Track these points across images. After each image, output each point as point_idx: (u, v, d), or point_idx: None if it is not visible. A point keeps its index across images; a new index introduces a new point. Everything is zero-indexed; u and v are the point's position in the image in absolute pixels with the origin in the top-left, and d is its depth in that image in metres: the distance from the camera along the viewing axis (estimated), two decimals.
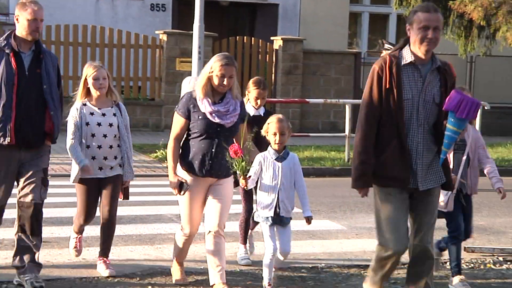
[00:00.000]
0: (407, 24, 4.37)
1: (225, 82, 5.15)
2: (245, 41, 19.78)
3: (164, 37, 17.43)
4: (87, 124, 5.70)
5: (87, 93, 5.75)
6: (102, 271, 5.71)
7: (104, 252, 5.81)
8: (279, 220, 5.29)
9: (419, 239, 4.49)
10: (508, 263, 7.20)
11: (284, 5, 22.62)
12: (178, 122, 5.31)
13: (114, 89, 5.93)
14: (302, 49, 20.34)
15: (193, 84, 7.17)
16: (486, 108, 14.08)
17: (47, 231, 6.45)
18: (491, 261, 7.18)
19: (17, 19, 5.29)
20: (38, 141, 5.38)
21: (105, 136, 5.68)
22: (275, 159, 5.33)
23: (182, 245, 5.58)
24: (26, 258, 5.37)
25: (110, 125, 5.73)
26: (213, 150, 5.23)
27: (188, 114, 5.24)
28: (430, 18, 4.22)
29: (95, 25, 19.74)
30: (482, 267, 6.99)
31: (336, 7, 22.94)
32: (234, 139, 5.36)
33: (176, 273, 5.64)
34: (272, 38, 20.56)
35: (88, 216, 5.85)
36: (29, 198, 5.33)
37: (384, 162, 4.39)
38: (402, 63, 4.34)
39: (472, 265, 7.04)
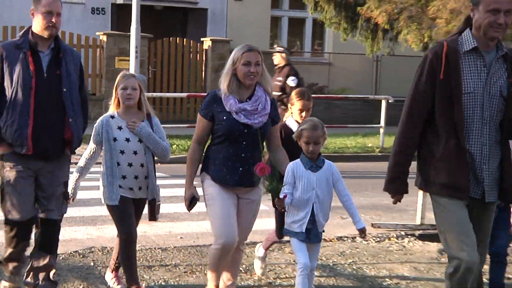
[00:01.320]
0: (471, 4, 3.84)
1: (252, 69, 4.48)
2: (177, 42, 20.56)
3: (104, 38, 18.28)
4: (115, 139, 4.92)
5: (118, 104, 5.03)
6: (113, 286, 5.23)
7: (130, 274, 5.06)
8: (313, 236, 4.77)
9: (481, 250, 3.90)
10: (409, 237, 7.72)
11: (213, 9, 23.76)
12: (200, 123, 4.62)
13: (146, 100, 5.18)
14: (229, 49, 20.37)
15: None
16: (390, 101, 15.62)
17: None
18: (395, 236, 7.68)
19: (32, 14, 4.74)
20: (58, 151, 4.83)
21: (135, 153, 4.94)
22: (308, 169, 4.71)
23: (217, 256, 4.68)
24: (41, 275, 4.94)
25: (140, 141, 4.93)
26: (242, 155, 4.56)
27: (211, 115, 4.52)
28: (502, 0, 3.62)
29: None
30: (386, 241, 7.49)
31: (259, 11, 24.25)
32: (267, 146, 4.88)
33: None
34: (202, 39, 21.45)
35: (132, 235, 5.12)
36: (48, 215, 4.85)
37: (440, 168, 3.83)
38: (463, 50, 3.78)
39: (378, 239, 7.52)
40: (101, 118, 5.01)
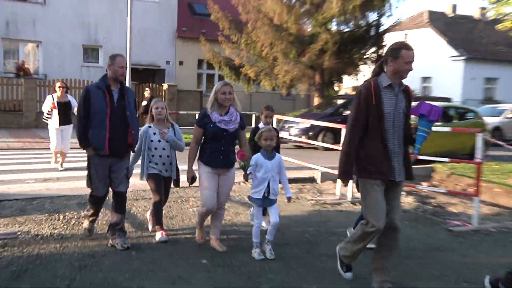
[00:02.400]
0: (389, 56, 4.84)
1: (227, 96, 5.98)
2: (150, 86, 23.91)
3: None
4: (151, 140, 6.72)
5: (153, 118, 6.84)
6: (158, 237, 6.74)
7: (158, 221, 6.84)
8: (268, 202, 6.16)
9: (390, 218, 4.92)
10: (328, 205, 9.30)
11: (168, 70, 30.45)
12: (196, 131, 6.12)
13: (169, 115, 6.97)
14: (177, 90, 27.41)
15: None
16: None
17: None
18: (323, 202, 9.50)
19: (109, 66, 6.07)
20: (124, 152, 6.38)
21: (163, 149, 6.76)
22: (266, 159, 6.13)
23: (202, 218, 6.54)
24: (117, 228, 6.45)
25: (167, 141, 6.75)
26: (222, 149, 6.10)
27: (203, 124, 6.06)
28: (413, 55, 4.76)
29: None
30: (317, 207, 9.17)
31: (191, 70, 31.35)
32: (238, 143, 6.37)
33: (198, 235, 6.67)
34: (162, 84, 27.29)
35: (161, 198, 6.88)
36: (119, 189, 6.46)
37: (373, 161, 4.87)
38: (382, 86, 4.87)
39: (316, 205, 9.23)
40: (143, 127, 6.76)
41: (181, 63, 30.95)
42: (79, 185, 9.78)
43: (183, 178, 6.80)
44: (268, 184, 6.10)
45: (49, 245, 6.43)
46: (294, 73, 23.82)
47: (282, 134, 15.28)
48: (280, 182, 6.36)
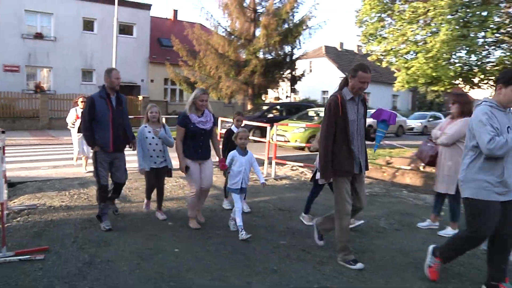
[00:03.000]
0: (350, 74, 4.46)
1: (203, 103, 5.52)
2: (130, 97, 24.22)
3: None
4: (146, 137, 6.12)
5: (148, 119, 6.22)
6: (159, 216, 6.24)
7: (159, 205, 6.32)
8: (242, 190, 5.64)
9: (360, 202, 4.62)
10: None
11: (143, 86, 29.77)
12: (179, 130, 5.51)
13: (161, 117, 6.35)
14: (149, 100, 25.13)
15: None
16: None
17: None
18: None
19: (106, 79, 5.57)
20: (123, 147, 5.83)
21: (156, 144, 6.14)
22: (240, 155, 5.62)
23: (194, 201, 5.70)
24: (113, 201, 6.31)
25: (159, 138, 6.13)
26: (201, 144, 5.60)
27: (185, 124, 5.48)
28: (368, 77, 4.38)
29: None
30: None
31: (159, 86, 30.83)
32: (210, 139, 5.79)
33: (193, 222, 5.80)
34: (138, 96, 26.49)
35: (152, 187, 6.39)
36: (120, 180, 5.87)
37: (340, 161, 4.42)
38: (346, 99, 4.45)
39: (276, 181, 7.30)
40: (140, 127, 6.17)
41: (152, 80, 30.78)
42: (79, 171, 9.93)
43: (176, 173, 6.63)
44: (242, 176, 5.58)
45: (59, 213, 6.42)
46: (233, 88, 23.80)
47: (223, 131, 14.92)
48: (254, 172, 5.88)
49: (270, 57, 24.91)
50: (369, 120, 4.66)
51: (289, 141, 15.90)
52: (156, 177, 6.25)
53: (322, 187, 6.09)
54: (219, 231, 5.70)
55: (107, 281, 4.08)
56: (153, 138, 6.13)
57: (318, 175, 5.06)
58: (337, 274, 4.38)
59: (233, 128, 6.67)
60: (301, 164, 10.39)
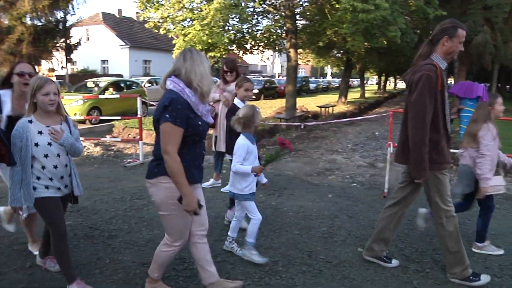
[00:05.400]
0: (445, 35, 3.31)
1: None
2: None
3: None
4: (36, 144, 3.10)
5: (35, 108, 3.16)
6: (49, 266, 3.62)
7: (67, 272, 3.24)
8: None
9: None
10: None
11: None
12: (175, 132, 2.68)
13: (62, 103, 3.34)
14: None
15: None
16: None
17: None
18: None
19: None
20: None
21: (58, 155, 3.19)
22: (252, 143, 3.77)
23: (171, 258, 3.11)
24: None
25: (61, 145, 3.18)
26: (204, 152, 3.08)
27: (186, 120, 2.71)
28: (464, 35, 3.34)
29: None
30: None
31: None
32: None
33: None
34: None
35: (65, 231, 3.25)
36: None
37: (441, 151, 3.36)
38: (442, 68, 3.33)
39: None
40: (19, 123, 3.11)
41: None
42: None
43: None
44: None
45: None
46: None
47: None
48: None
49: (39, 24, 22.76)
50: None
51: (68, 115, 14.76)
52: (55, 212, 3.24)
53: (472, 202, 4.34)
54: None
55: None
56: (49, 144, 3.15)
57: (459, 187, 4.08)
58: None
59: (238, 103, 4.62)
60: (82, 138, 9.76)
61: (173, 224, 2.93)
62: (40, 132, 3.14)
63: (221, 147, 6.09)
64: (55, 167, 3.19)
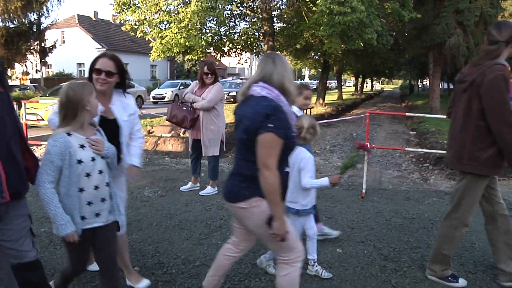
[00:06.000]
0: (509, 42, 3.17)
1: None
2: None
3: None
4: (80, 161, 2.45)
5: (74, 117, 2.51)
6: None
7: None
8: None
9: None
10: None
11: None
12: (277, 146, 2.36)
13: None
14: None
15: None
16: None
17: None
18: None
19: None
20: (24, 187, 2.37)
21: (100, 172, 2.55)
22: (310, 152, 3.45)
23: (295, 280, 2.61)
24: None
25: (103, 157, 2.62)
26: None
27: (286, 132, 2.39)
28: None
29: None
30: None
31: None
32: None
33: None
34: None
35: (84, 269, 2.93)
36: (23, 257, 2.42)
37: (499, 154, 3.19)
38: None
39: None
40: (57, 135, 2.47)
41: None
42: None
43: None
44: None
45: None
46: None
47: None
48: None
49: (12, 26, 22.40)
50: None
51: (43, 119, 14.57)
52: (98, 244, 2.69)
53: None
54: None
55: None
56: (93, 160, 2.57)
57: None
58: None
59: (297, 111, 3.97)
60: None
61: (282, 242, 2.52)
62: (82, 146, 2.54)
63: (207, 152, 5.99)
64: (96, 187, 2.58)
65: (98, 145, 2.58)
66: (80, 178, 2.50)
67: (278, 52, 2.56)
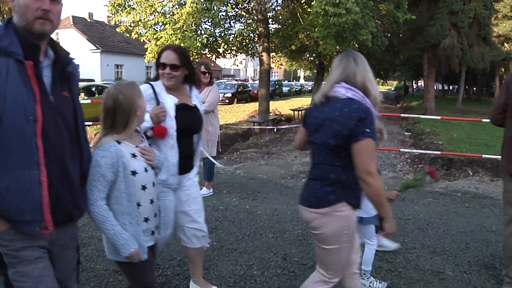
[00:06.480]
0: None
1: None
2: None
3: None
4: (134, 172, 2.17)
5: (126, 125, 2.20)
6: None
7: None
8: None
9: None
10: None
11: None
12: (373, 149, 2.24)
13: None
14: None
15: None
16: None
17: None
18: None
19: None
20: (79, 212, 2.03)
21: (153, 184, 2.29)
22: None
23: None
24: None
25: (153, 167, 2.36)
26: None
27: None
28: None
29: None
30: None
31: None
32: None
33: None
34: None
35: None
36: None
37: None
38: None
39: None
40: (106, 144, 2.13)
41: None
42: None
43: None
44: None
45: None
46: None
47: None
48: None
49: None
50: None
51: None
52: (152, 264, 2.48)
53: None
54: None
55: None
56: (146, 170, 2.30)
57: None
58: None
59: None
60: None
61: (339, 259, 2.43)
62: (134, 155, 2.22)
63: (212, 152, 5.95)
64: (151, 201, 2.30)
65: (150, 155, 2.31)
66: (136, 191, 2.20)
67: (357, 51, 2.42)
